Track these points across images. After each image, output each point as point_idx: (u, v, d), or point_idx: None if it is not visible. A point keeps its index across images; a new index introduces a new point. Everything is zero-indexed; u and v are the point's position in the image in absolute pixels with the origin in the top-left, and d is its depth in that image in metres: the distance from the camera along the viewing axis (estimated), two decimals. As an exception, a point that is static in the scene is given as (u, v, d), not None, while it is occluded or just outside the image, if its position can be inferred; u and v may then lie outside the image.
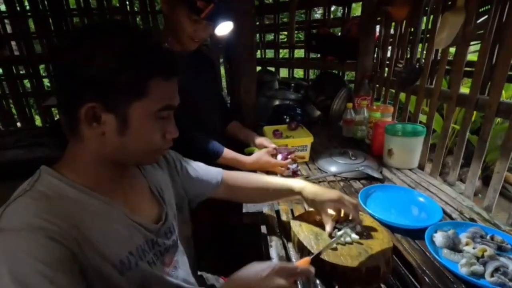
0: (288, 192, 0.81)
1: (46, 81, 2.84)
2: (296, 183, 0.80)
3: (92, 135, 0.50)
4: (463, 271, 0.64)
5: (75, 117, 0.48)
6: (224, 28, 1.09)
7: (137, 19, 2.78)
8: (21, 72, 2.74)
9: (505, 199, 2.22)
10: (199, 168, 0.81)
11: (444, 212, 0.90)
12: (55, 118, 2.80)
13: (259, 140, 1.25)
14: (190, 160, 0.82)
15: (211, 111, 1.24)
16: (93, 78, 0.46)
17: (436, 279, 0.65)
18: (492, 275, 0.62)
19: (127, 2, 2.61)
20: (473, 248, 0.69)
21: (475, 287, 0.62)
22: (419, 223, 0.82)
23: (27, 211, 0.43)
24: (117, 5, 2.62)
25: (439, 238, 0.73)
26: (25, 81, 2.82)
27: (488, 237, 0.73)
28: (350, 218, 0.75)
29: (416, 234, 0.78)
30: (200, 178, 0.79)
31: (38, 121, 3.21)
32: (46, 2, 2.48)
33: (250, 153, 1.20)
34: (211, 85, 1.29)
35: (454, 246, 0.71)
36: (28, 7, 2.53)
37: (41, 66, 2.80)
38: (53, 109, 2.75)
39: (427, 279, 0.65)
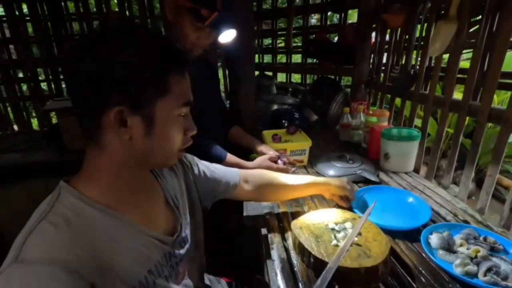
0: (314, 186, 0.90)
1: (43, 85, 2.84)
2: (318, 178, 0.93)
3: (117, 140, 0.49)
4: (457, 271, 0.67)
5: (98, 125, 0.48)
6: (227, 36, 1.12)
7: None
8: (19, 76, 2.74)
9: (497, 201, 2.27)
10: (216, 170, 0.82)
11: (439, 214, 0.93)
12: (53, 122, 2.79)
13: (261, 148, 1.27)
14: (207, 162, 0.83)
15: (214, 115, 1.27)
16: (114, 80, 0.45)
17: (432, 279, 0.67)
18: (485, 275, 0.64)
19: (126, 6, 2.62)
20: (467, 249, 0.72)
21: (469, 287, 0.64)
22: (408, 224, 0.83)
23: (47, 241, 0.42)
24: (116, 9, 2.63)
25: (434, 239, 0.76)
26: (22, 84, 2.81)
27: (481, 238, 0.76)
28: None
29: (411, 235, 0.80)
30: (218, 180, 0.80)
31: (35, 125, 3.20)
32: (45, 7, 2.49)
33: (254, 159, 1.22)
34: (213, 90, 1.32)
35: (449, 247, 0.74)
36: (26, 11, 2.54)
37: (39, 70, 2.79)
38: (51, 113, 2.74)
39: (423, 279, 0.67)
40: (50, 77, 2.72)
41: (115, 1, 2.60)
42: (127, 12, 2.59)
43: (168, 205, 0.65)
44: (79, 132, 0.52)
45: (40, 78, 2.81)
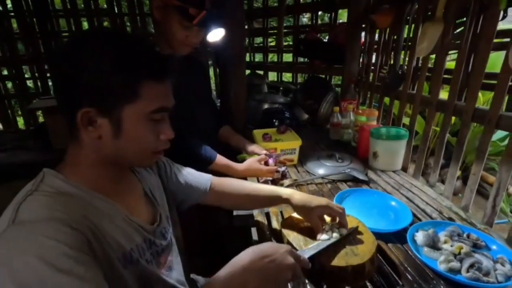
0: (277, 200, 0.82)
1: (29, 83, 2.77)
2: (284, 191, 0.81)
3: (90, 138, 0.52)
4: (441, 267, 0.69)
5: (73, 121, 0.51)
6: (215, 35, 1.11)
7: (126, 20, 2.76)
8: (3, 73, 2.67)
9: (484, 198, 2.33)
10: (189, 174, 0.84)
11: (425, 212, 0.95)
12: (40, 121, 2.73)
13: (251, 147, 1.27)
14: (180, 166, 0.84)
15: (203, 115, 1.26)
16: (87, 83, 0.49)
17: (417, 276, 0.69)
18: (467, 271, 0.66)
19: (115, 4, 2.57)
20: (451, 246, 0.74)
21: (453, 283, 0.66)
22: (390, 227, 0.84)
23: (41, 205, 0.46)
24: (105, 6, 2.58)
25: (420, 237, 0.78)
26: (7, 82, 2.74)
27: (464, 235, 0.78)
28: (336, 222, 0.77)
29: (398, 234, 0.82)
30: (189, 184, 0.82)
31: (21, 124, 3.12)
32: (30, 2, 2.43)
33: (242, 160, 1.22)
34: (203, 89, 1.30)
35: (433, 244, 0.76)
36: (11, 7, 2.47)
37: (25, 67, 2.73)
38: (37, 112, 2.68)
39: (409, 276, 0.69)
40: (36, 74, 2.66)
41: (104, -3, 2.55)
42: (115, 9, 2.54)
43: (147, 197, 0.68)
44: (66, 131, 0.55)
45: (26, 75, 2.74)
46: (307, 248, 0.66)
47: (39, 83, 2.68)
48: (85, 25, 2.71)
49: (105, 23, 2.67)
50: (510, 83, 0.86)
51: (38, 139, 1.81)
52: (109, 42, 0.51)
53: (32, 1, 2.43)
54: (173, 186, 0.80)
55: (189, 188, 0.82)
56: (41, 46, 2.56)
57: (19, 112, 2.96)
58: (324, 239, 0.71)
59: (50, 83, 2.74)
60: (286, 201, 0.79)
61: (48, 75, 2.66)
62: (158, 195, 0.71)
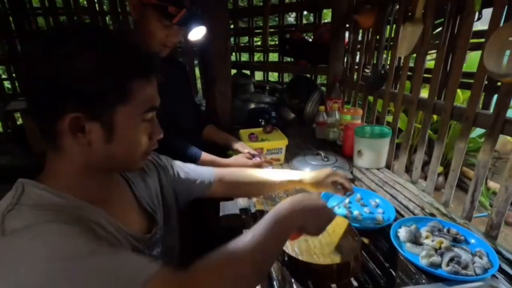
0: (289, 183, 0.89)
1: (6, 83, 2.66)
2: (295, 175, 0.89)
3: (76, 146, 0.48)
4: (423, 262, 0.71)
5: (54, 129, 0.46)
6: (197, 33, 1.09)
7: (107, 19, 2.69)
8: (-22, 74, 2.55)
9: (465, 193, 2.42)
10: (190, 170, 0.83)
11: (407, 208, 0.97)
12: (18, 123, 2.63)
13: (237, 145, 1.28)
14: (181, 162, 0.83)
15: (185, 116, 1.24)
16: (72, 87, 0.44)
17: (401, 271, 0.70)
18: (447, 265, 0.68)
19: (96, 1, 2.50)
20: (432, 241, 0.76)
21: (434, 277, 0.68)
22: (374, 224, 0.86)
23: (31, 214, 0.42)
24: (85, 4, 2.51)
25: (402, 233, 0.79)
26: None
27: (445, 230, 0.81)
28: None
29: (382, 231, 0.83)
30: (192, 179, 0.81)
31: (-2, 127, 3.00)
32: (5, 0, 2.33)
33: (231, 156, 1.23)
34: (184, 90, 1.28)
35: (415, 240, 0.78)
36: (-15, 5, 2.36)
37: (1, 67, 2.62)
38: (15, 114, 2.58)
39: (392, 272, 0.70)
40: (14, 75, 2.56)
41: (84, -5, 2.48)
42: (96, 7, 2.47)
43: (143, 211, 0.65)
44: (43, 139, 0.50)
45: (3, 76, 2.63)
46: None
47: (16, 84, 2.58)
48: (65, 23, 2.63)
49: (86, 22, 2.59)
50: (486, 82, 0.89)
51: (17, 142, 1.75)
52: (95, 38, 0.47)
53: (8, -1, 2.34)
54: (179, 185, 0.78)
55: (194, 183, 0.81)
56: (18, 45, 2.46)
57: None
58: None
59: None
60: (299, 183, 0.88)
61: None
62: (155, 205, 0.68)
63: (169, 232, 0.72)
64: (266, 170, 0.95)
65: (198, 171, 0.84)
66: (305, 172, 0.88)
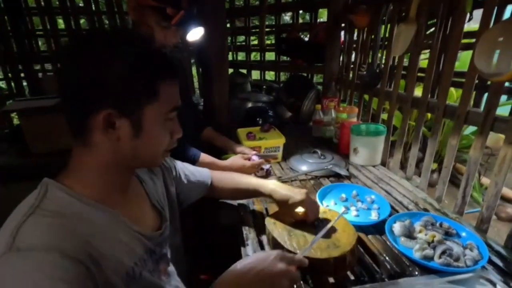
0: (260, 194, 0.87)
1: (1, 84, 2.65)
2: (267, 186, 0.84)
3: (106, 141, 0.51)
4: (416, 255, 0.73)
5: (86, 125, 0.49)
6: (195, 34, 1.11)
7: (104, 19, 2.69)
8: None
9: (458, 189, 2.47)
10: (190, 173, 0.86)
11: (402, 204, 1.00)
12: (14, 123, 2.62)
13: (240, 149, 1.28)
14: (181, 162, 0.87)
15: (183, 116, 1.24)
16: (108, 86, 0.48)
17: (395, 264, 0.73)
18: (440, 257, 0.71)
19: (92, 1, 2.49)
20: (425, 235, 0.78)
21: (427, 269, 0.70)
22: (370, 219, 0.89)
23: (42, 230, 0.43)
24: (81, 4, 2.50)
25: (397, 227, 0.82)
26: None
27: (437, 224, 0.83)
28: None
29: (378, 226, 0.86)
30: (195, 181, 0.86)
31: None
32: (1, 0, 2.32)
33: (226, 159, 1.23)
34: (182, 90, 1.29)
35: (409, 234, 0.80)
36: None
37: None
38: (12, 114, 2.57)
39: (387, 265, 0.73)
40: (10, 75, 2.54)
41: (80, -5, 2.47)
42: (93, 7, 2.47)
43: (154, 207, 0.68)
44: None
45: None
46: (300, 250, 0.67)
47: (12, 84, 2.56)
48: (61, 23, 2.61)
49: (82, 21, 2.59)
50: (476, 81, 0.92)
51: (13, 142, 1.74)
52: (124, 43, 0.51)
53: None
54: (180, 187, 0.82)
55: (195, 184, 0.85)
56: (14, 45, 2.45)
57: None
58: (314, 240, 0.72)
59: (25, 84, 2.63)
60: (269, 196, 0.84)
61: (22, 75, 2.55)
62: (163, 203, 0.71)
63: (174, 232, 0.74)
64: (247, 177, 0.93)
65: (198, 172, 0.88)
66: (278, 187, 0.82)
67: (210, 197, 0.92)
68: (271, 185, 0.84)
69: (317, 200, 0.98)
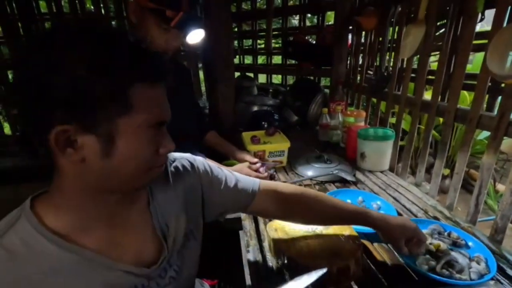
0: (359, 222, 0.71)
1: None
2: (371, 214, 0.69)
3: (69, 163, 0.42)
4: (418, 265, 0.70)
5: (46, 144, 0.40)
6: (195, 36, 1.10)
7: (113, 24, 2.73)
8: (-13, 78, 2.61)
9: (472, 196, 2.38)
10: (235, 179, 0.69)
11: (410, 211, 0.96)
12: (26, 126, 2.68)
13: (242, 155, 1.25)
14: (219, 168, 0.70)
15: (186, 121, 1.22)
16: (60, 95, 0.38)
17: (402, 274, 0.70)
18: (442, 268, 0.67)
19: (102, 6, 2.54)
20: (430, 244, 0.75)
21: (432, 281, 0.66)
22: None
23: None
24: (92, 9, 2.55)
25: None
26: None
27: (445, 233, 0.79)
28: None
29: (377, 236, 0.81)
30: (237, 189, 0.67)
31: (7, 129, 3.05)
32: (14, 6, 2.38)
33: (229, 166, 1.21)
34: (186, 94, 1.28)
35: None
36: (-6, 10, 2.42)
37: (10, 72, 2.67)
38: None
39: (394, 276, 0.70)
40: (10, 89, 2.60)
41: None
42: (102, 12, 2.51)
43: (155, 233, 0.55)
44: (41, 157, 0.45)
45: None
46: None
47: (25, 88, 2.63)
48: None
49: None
50: (489, 84, 0.88)
51: (23, 144, 1.78)
52: (82, 39, 0.40)
53: (17, 5, 2.39)
54: (213, 197, 0.66)
55: (236, 195, 0.67)
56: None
57: (5, 118, 2.89)
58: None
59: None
60: (371, 226, 0.69)
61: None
62: (171, 229, 0.56)
63: (190, 249, 0.61)
64: (334, 199, 0.74)
65: (244, 179, 0.70)
66: (379, 216, 0.69)
67: (267, 216, 0.77)
68: (379, 215, 0.69)
69: None
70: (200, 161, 0.67)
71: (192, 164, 0.64)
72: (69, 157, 0.41)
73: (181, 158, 0.64)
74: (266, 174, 1.17)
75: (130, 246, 0.51)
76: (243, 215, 0.95)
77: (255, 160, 1.21)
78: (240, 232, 0.94)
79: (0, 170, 1.73)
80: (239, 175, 0.71)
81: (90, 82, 0.38)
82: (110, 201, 0.48)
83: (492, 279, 0.65)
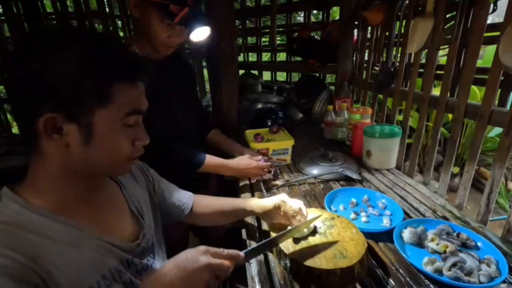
0: (243, 213, 0.83)
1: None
2: (248, 203, 0.82)
3: (54, 148, 0.47)
4: (424, 266, 0.67)
5: (33, 130, 0.46)
6: (200, 34, 1.07)
7: (118, 23, 2.74)
8: (-5, 78, 2.65)
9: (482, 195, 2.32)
10: (173, 192, 0.81)
11: (418, 211, 0.93)
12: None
13: (245, 153, 1.21)
14: (166, 181, 0.82)
15: (187, 117, 1.19)
16: (50, 86, 0.44)
17: (408, 276, 0.67)
18: (449, 269, 0.64)
19: (106, 5, 2.55)
20: (437, 244, 0.72)
21: (437, 282, 0.64)
22: (381, 226, 0.83)
23: None
24: (96, 8, 2.56)
25: (407, 234, 0.76)
26: (0, 87, 2.72)
27: (454, 234, 0.76)
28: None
29: (390, 233, 0.79)
30: (173, 202, 0.79)
31: (15, 129, 3.10)
32: (20, 6, 2.41)
33: None
34: (188, 91, 1.25)
35: (419, 242, 0.75)
36: (1, 11, 2.45)
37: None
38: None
39: (400, 277, 0.67)
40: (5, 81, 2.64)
41: (95, -1, 2.53)
42: (107, 11, 2.52)
43: (132, 214, 0.63)
44: (24, 142, 0.51)
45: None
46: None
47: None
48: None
49: (97, 25, 2.65)
50: (502, 78, 0.84)
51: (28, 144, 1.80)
52: (74, 40, 0.47)
53: (23, 5, 2.41)
54: (160, 203, 0.76)
55: (173, 206, 0.79)
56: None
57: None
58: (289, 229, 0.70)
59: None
60: (252, 212, 0.82)
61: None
62: (145, 213, 0.66)
63: (158, 244, 0.69)
64: (226, 199, 0.87)
65: (180, 195, 0.82)
66: (254, 202, 0.81)
67: (190, 223, 0.86)
68: (252, 201, 0.82)
69: (325, 205, 0.93)
70: (153, 171, 0.78)
71: (148, 169, 0.76)
72: (55, 142, 0.47)
73: (138, 162, 0.70)
74: (267, 164, 1.13)
75: (113, 224, 0.57)
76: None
77: (259, 157, 1.18)
78: (243, 230, 0.93)
79: (8, 169, 1.75)
80: (177, 192, 0.82)
81: (76, 78, 0.45)
82: (91, 185, 0.55)
83: (504, 282, 0.62)
